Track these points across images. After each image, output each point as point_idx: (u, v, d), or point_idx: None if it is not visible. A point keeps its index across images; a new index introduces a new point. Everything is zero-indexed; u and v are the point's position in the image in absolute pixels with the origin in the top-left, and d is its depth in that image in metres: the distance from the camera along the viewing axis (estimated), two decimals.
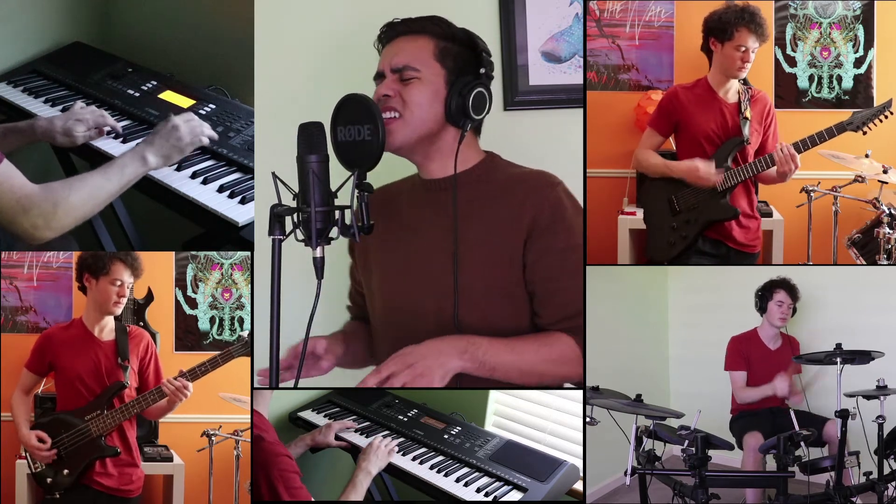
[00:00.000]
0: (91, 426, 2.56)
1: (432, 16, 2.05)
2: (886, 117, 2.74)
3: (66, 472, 2.56)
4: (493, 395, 2.57)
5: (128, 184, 2.30)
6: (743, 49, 2.74)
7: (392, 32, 2.06)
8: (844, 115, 2.78)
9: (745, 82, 2.86)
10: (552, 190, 1.98)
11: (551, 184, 2.00)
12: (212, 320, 3.39)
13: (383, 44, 2.08)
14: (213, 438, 3.07)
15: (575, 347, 1.96)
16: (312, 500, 1.97)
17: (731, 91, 2.84)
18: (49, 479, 2.57)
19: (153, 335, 3.23)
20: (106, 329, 2.67)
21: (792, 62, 3.46)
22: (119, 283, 2.60)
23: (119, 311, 2.64)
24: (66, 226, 2.16)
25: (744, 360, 3.13)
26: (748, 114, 2.80)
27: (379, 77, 2.04)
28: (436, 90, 1.98)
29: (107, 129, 2.62)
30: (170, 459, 3.21)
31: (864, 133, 2.74)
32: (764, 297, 3.14)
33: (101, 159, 2.56)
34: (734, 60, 2.76)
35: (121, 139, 2.63)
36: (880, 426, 2.55)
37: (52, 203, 2.12)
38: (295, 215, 1.81)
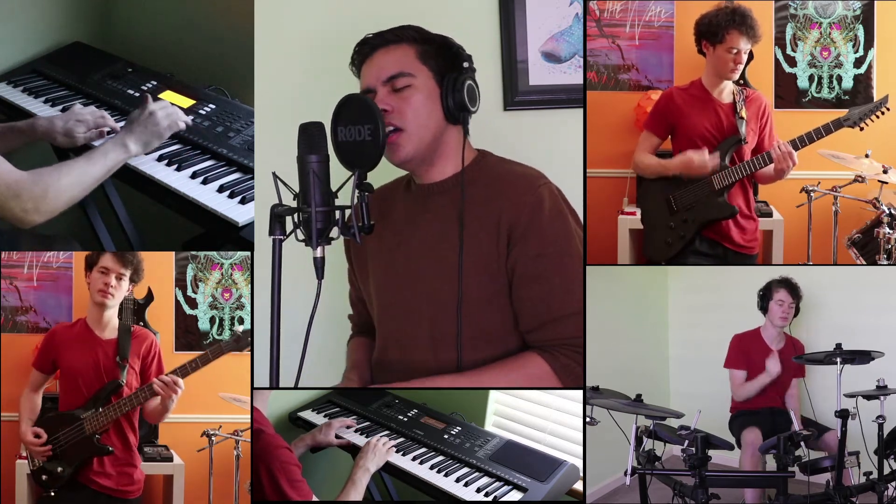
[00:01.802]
0: (85, 424, 2.56)
1: (405, 25, 2.04)
2: (883, 113, 2.74)
3: (59, 469, 2.57)
4: (493, 395, 2.57)
5: (111, 169, 2.37)
6: (735, 51, 2.74)
7: (367, 48, 2.03)
8: (843, 114, 2.78)
9: (744, 82, 2.86)
10: (532, 194, 1.96)
11: (532, 186, 1.98)
12: (212, 320, 3.39)
13: (361, 61, 2.04)
14: (213, 438, 3.07)
15: (544, 366, 1.96)
16: (312, 496, 1.96)
17: (726, 92, 2.84)
18: (45, 476, 2.57)
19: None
20: (108, 328, 2.67)
21: (792, 62, 3.46)
22: (104, 269, 2.60)
23: (108, 301, 2.62)
24: (55, 209, 2.23)
25: (744, 359, 3.12)
26: (744, 114, 2.80)
27: (367, 94, 2.00)
28: (429, 92, 1.98)
29: (107, 130, 2.62)
30: (170, 459, 3.20)
31: (861, 129, 2.73)
32: (765, 296, 3.14)
33: None
34: (726, 62, 2.76)
35: None
36: (880, 426, 2.55)
37: (43, 188, 2.19)
38: (295, 215, 1.81)
